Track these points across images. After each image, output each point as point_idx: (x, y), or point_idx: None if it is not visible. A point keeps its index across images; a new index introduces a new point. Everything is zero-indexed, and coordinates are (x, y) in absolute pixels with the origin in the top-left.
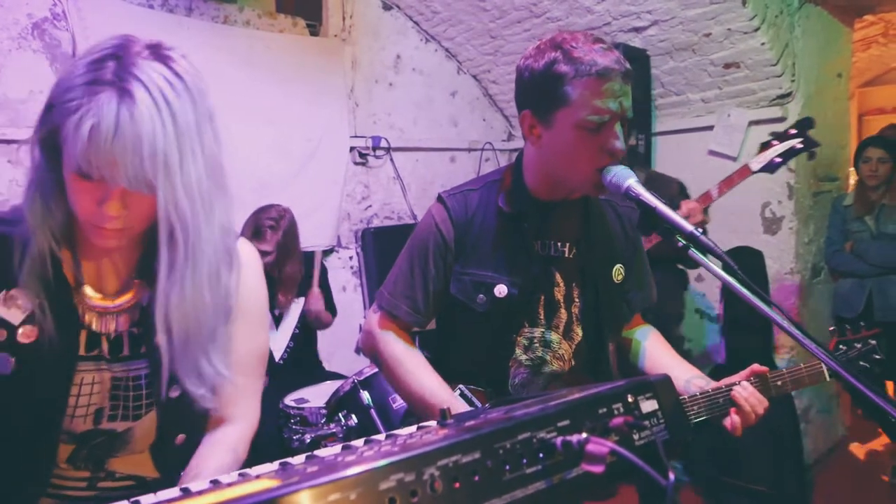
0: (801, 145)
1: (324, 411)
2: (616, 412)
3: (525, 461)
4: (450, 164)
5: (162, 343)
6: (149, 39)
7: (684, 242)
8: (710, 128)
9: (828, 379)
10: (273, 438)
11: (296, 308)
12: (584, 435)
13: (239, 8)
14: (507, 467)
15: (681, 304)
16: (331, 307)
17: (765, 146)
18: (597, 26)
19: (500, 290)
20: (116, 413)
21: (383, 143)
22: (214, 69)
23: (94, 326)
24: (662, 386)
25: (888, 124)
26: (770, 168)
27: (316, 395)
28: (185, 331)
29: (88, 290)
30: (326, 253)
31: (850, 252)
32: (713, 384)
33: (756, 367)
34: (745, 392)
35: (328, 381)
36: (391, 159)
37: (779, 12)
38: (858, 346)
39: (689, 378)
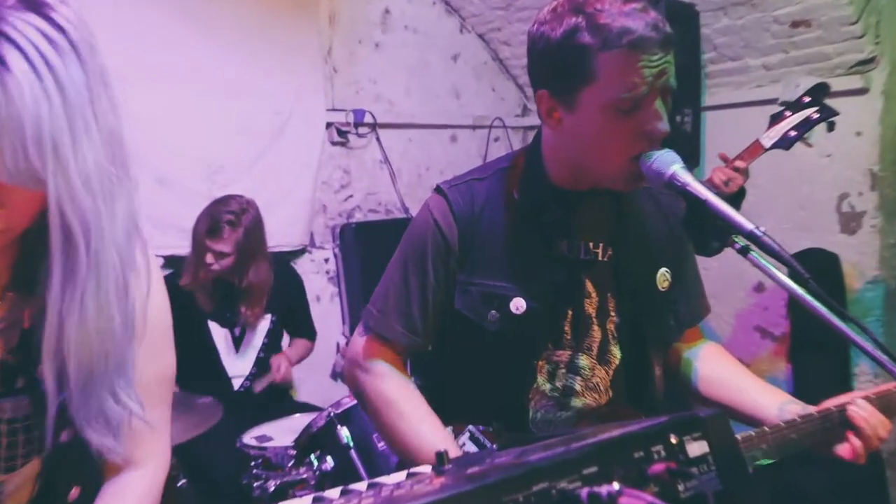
0: (817, 115)
1: (292, 452)
2: (656, 456)
3: None
4: (450, 144)
5: (49, 376)
6: None
7: (743, 244)
8: (774, 101)
9: None
10: (230, 485)
11: (262, 326)
12: (617, 486)
13: None
14: None
15: None
16: (308, 329)
17: (776, 118)
18: None
19: (517, 304)
20: None
21: (368, 119)
22: (161, 26)
23: None
24: (715, 423)
25: None
26: (785, 143)
27: (282, 432)
28: (86, 363)
29: None
30: (297, 254)
31: None
32: (813, 409)
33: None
34: (864, 411)
35: (298, 415)
36: (377, 138)
37: None
38: None
39: (781, 404)
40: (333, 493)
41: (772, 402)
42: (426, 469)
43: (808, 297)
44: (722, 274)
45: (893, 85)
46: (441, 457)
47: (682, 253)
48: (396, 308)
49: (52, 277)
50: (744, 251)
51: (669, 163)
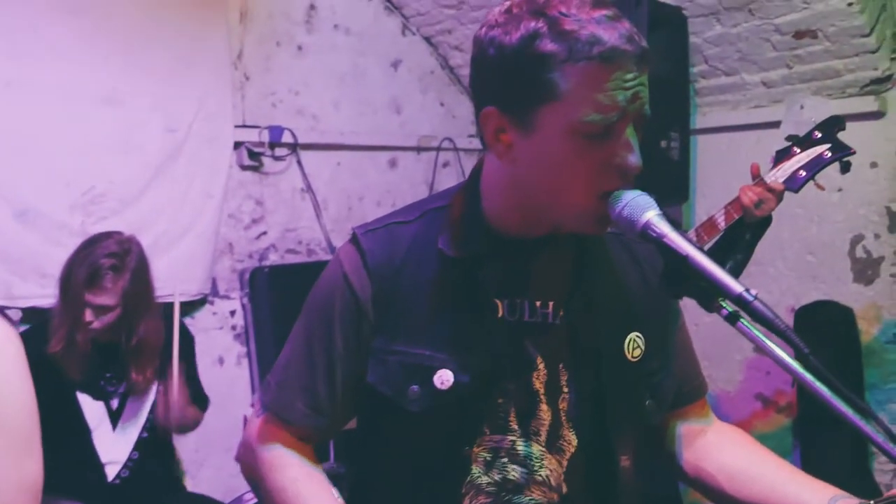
0: (829, 154)
1: None
2: None
3: None
4: (389, 170)
5: None
6: None
7: (731, 310)
8: (776, 124)
9: None
10: None
11: (149, 397)
12: None
13: None
14: None
15: None
16: (199, 397)
17: (783, 155)
18: None
19: (443, 377)
20: None
21: (287, 138)
22: (21, 19)
23: None
24: None
25: None
26: (794, 185)
27: None
28: None
29: None
30: (193, 305)
31: None
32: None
33: None
34: None
35: None
36: (298, 161)
37: None
38: None
39: (831, 500)
40: None
41: (820, 498)
42: None
43: (808, 376)
44: (714, 331)
45: None
46: None
47: (665, 315)
48: (298, 382)
49: None
50: (732, 318)
51: (643, 209)
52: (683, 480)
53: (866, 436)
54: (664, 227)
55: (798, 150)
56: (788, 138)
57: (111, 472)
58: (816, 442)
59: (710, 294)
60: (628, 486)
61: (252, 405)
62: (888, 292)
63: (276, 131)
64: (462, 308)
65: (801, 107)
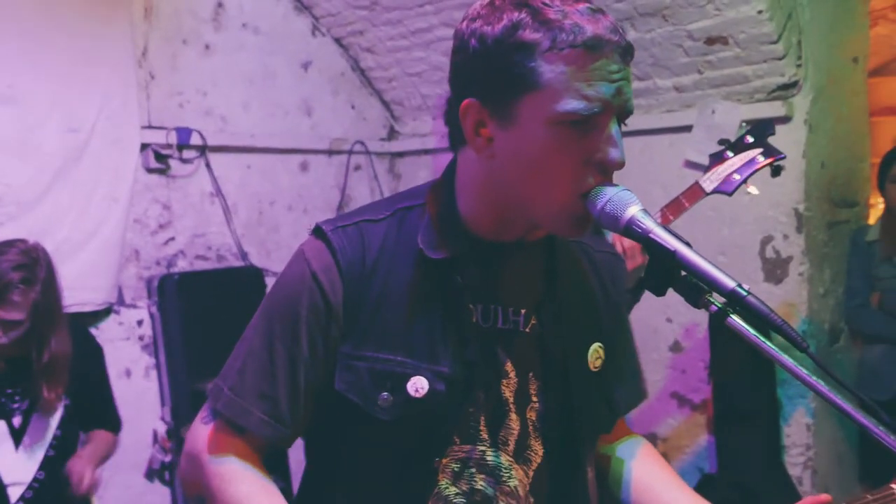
0: (761, 158)
1: None
2: None
3: None
4: (300, 173)
5: None
6: None
7: (721, 307)
8: (688, 128)
9: None
10: None
11: (56, 415)
12: None
13: None
14: None
15: None
16: (107, 415)
17: (716, 159)
18: None
19: (417, 384)
20: None
21: (195, 140)
22: None
23: None
24: None
25: None
26: (728, 187)
27: None
28: None
29: None
30: (98, 316)
31: (879, 307)
32: None
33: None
34: None
35: None
36: (207, 164)
37: None
38: None
39: None
40: None
41: None
42: None
43: (802, 371)
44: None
45: (818, 113)
46: None
47: (619, 324)
48: (256, 388)
49: None
50: (721, 315)
51: (626, 204)
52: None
53: (864, 426)
54: (649, 223)
55: (731, 155)
56: (721, 142)
57: (14, 494)
58: (730, 438)
59: (698, 290)
60: (592, 497)
61: (161, 418)
62: (797, 291)
63: (183, 133)
64: (436, 312)
65: (713, 111)
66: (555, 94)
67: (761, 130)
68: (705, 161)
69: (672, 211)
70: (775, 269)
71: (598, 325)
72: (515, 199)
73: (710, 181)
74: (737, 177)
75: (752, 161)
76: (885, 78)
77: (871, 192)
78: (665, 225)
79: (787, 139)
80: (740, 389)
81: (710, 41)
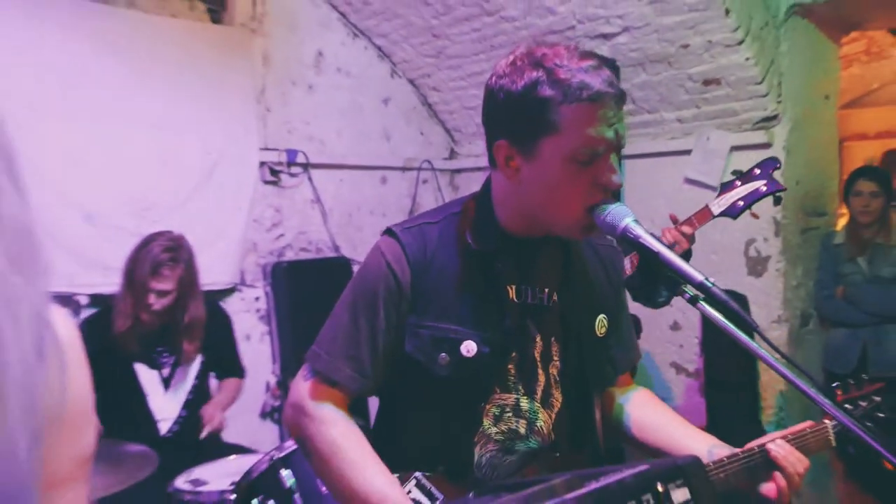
0: (764, 188)
1: (229, 496)
2: None
3: None
4: (380, 185)
5: None
6: None
7: (692, 294)
8: (688, 152)
9: (834, 445)
10: None
11: (194, 366)
12: None
13: None
14: None
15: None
16: (235, 367)
17: (727, 187)
18: (559, 29)
19: (468, 347)
20: None
21: (300, 159)
22: (86, 60)
23: None
24: (693, 470)
25: (888, 149)
26: (733, 212)
27: (216, 475)
28: None
29: None
30: (227, 292)
31: (842, 298)
32: (738, 451)
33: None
34: (783, 450)
35: (232, 457)
36: (309, 178)
37: (764, 24)
38: (864, 403)
39: (709, 448)
40: None
41: (701, 445)
42: None
43: (753, 344)
44: (640, 314)
45: (794, 140)
46: None
47: (619, 302)
48: (345, 351)
49: None
50: (693, 300)
51: (622, 216)
52: (621, 438)
53: (794, 384)
54: (639, 230)
55: (739, 184)
56: (734, 173)
57: (164, 427)
58: (718, 400)
59: (676, 281)
60: (599, 434)
61: (273, 373)
62: (773, 283)
63: (291, 153)
64: (481, 292)
65: (708, 138)
66: (569, 137)
67: (767, 165)
68: (702, 179)
69: (687, 226)
70: (756, 266)
71: (602, 300)
72: (538, 213)
73: (718, 205)
74: (741, 203)
75: (756, 191)
76: (857, 109)
77: (838, 205)
78: (658, 236)
79: None
80: (726, 361)
81: (707, 82)
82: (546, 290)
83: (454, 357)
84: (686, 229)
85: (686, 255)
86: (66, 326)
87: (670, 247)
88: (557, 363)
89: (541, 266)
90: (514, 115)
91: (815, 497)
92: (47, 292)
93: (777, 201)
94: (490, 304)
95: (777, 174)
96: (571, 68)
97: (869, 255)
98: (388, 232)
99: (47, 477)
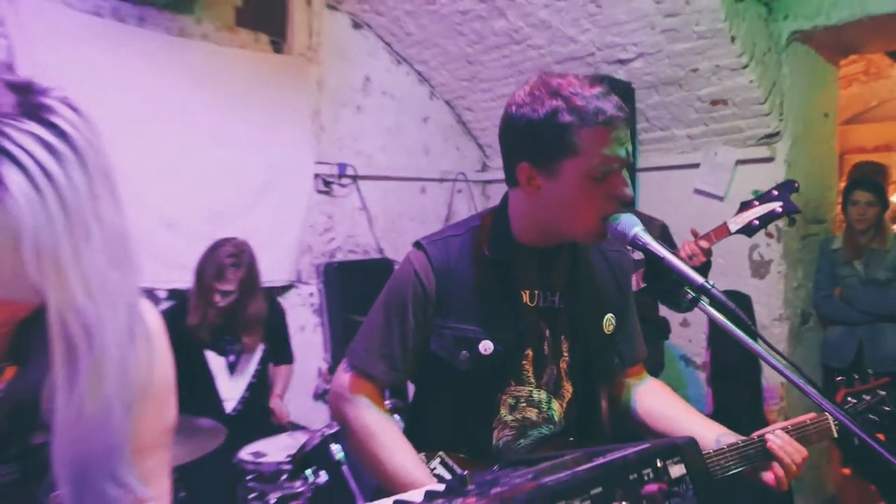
0: (780, 209)
1: (285, 466)
2: (647, 478)
3: None
4: (420, 195)
5: (60, 483)
6: (14, 78)
7: (694, 295)
8: (696, 165)
9: (836, 436)
10: (225, 497)
11: (256, 354)
12: None
13: (196, 20)
14: None
15: (660, 354)
16: (286, 355)
17: (745, 206)
18: (580, 56)
19: (485, 346)
20: None
21: (349, 171)
22: (167, 86)
23: None
24: (690, 449)
25: (858, 161)
26: (749, 231)
27: (274, 449)
28: (85, 462)
29: None
30: (285, 289)
31: (840, 298)
32: (742, 439)
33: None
34: (780, 440)
35: (287, 433)
36: (357, 188)
37: (766, 50)
38: (867, 397)
39: (718, 436)
40: None
41: (709, 433)
42: (416, 497)
43: (747, 338)
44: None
45: (794, 154)
46: (464, 479)
47: (626, 302)
48: (379, 348)
49: (57, 388)
50: (694, 301)
51: (632, 225)
52: (631, 422)
53: (786, 377)
54: (647, 238)
55: (757, 203)
56: (754, 192)
57: (229, 407)
58: (723, 390)
59: (680, 283)
60: (605, 421)
61: (324, 359)
62: (775, 285)
63: (342, 167)
64: (497, 297)
65: (715, 153)
66: (587, 158)
67: (786, 187)
68: (710, 190)
69: (704, 241)
70: (760, 269)
71: (609, 301)
72: (556, 225)
73: (735, 223)
74: (757, 223)
75: (772, 211)
76: (857, 125)
77: (836, 213)
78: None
79: (770, 174)
80: (731, 354)
81: (714, 102)
82: (556, 293)
83: (473, 354)
84: (703, 244)
85: (704, 268)
86: (153, 317)
87: (688, 258)
88: (567, 358)
89: (551, 272)
90: (536, 140)
91: (813, 483)
92: (139, 287)
93: (792, 222)
94: (506, 307)
95: (758, 176)
96: (586, 96)
97: (865, 259)
98: (417, 245)
99: (137, 443)
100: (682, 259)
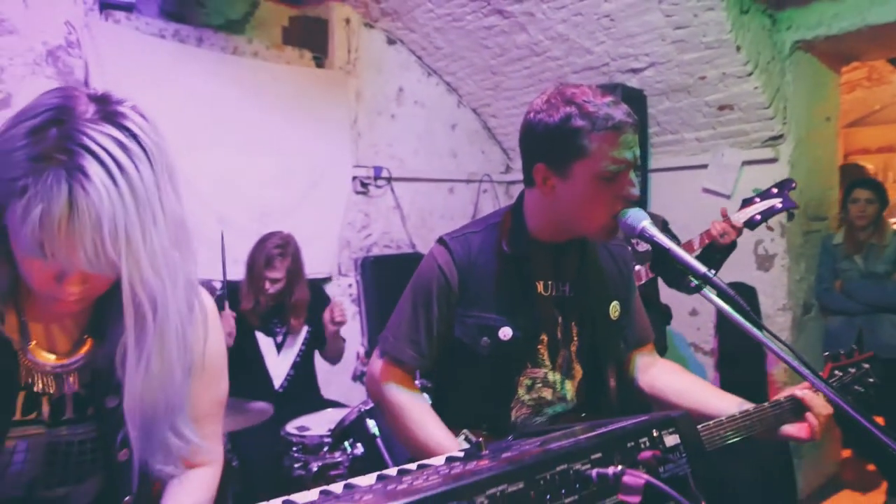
0: (780, 205)
1: (326, 439)
2: (643, 446)
3: (564, 491)
4: (448, 195)
5: (131, 424)
6: (93, 91)
7: (697, 283)
8: (705, 166)
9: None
10: (273, 465)
11: (301, 336)
12: (621, 467)
13: (248, 39)
14: (548, 497)
15: (663, 339)
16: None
17: (747, 202)
18: (596, 66)
19: (505, 332)
20: (52, 480)
21: (384, 174)
22: (222, 99)
23: (36, 388)
24: (684, 421)
25: (845, 163)
26: (750, 225)
27: (316, 423)
28: (151, 413)
29: (36, 350)
30: (326, 280)
31: (840, 290)
32: (765, 405)
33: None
34: (810, 395)
35: (328, 409)
36: (391, 189)
37: (770, 58)
38: (853, 370)
39: (739, 405)
40: (391, 472)
41: (731, 405)
42: (437, 461)
43: (752, 327)
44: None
45: (797, 156)
46: (479, 445)
47: (629, 289)
48: (408, 336)
49: (128, 351)
50: (697, 288)
51: (640, 219)
52: (639, 396)
53: (782, 359)
54: (654, 231)
55: (758, 200)
56: (754, 190)
57: (277, 383)
58: (730, 375)
59: (683, 272)
60: (613, 398)
61: (362, 344)
62: (779, 277)
63: (377, 169)
64: (515, 287)
65: (722, 155)
66: (598, 160)
67: (785, 185)
68: (717, 189)
69: (708, 236)
70: (764, 262)
71: (615, 289)
72: (569, 222)
73: (738, 218)
74: (758, 217)
75: (772, 207)
76: (860, 128)
77: (837, 211)
78: (702, 244)
79: (774, 174)
80: (737, 341)
81: (721, 108)
82: (567, 283)
83: (493, 340)
84: (736, 223)
85: (732, 246)
86: (208, 300)
87: (720, 236)
88: (576, 342)
89: (563, 264)
90: (551, 143)
91: (814, 462)
92: (196, 266)
93: (790, 217)
94: (523, 297)
95: (792, 193)
96: (597, 103)
97: (864, 253)
98: (440, 241)
99: (194, 412)
100: (712, 237)
